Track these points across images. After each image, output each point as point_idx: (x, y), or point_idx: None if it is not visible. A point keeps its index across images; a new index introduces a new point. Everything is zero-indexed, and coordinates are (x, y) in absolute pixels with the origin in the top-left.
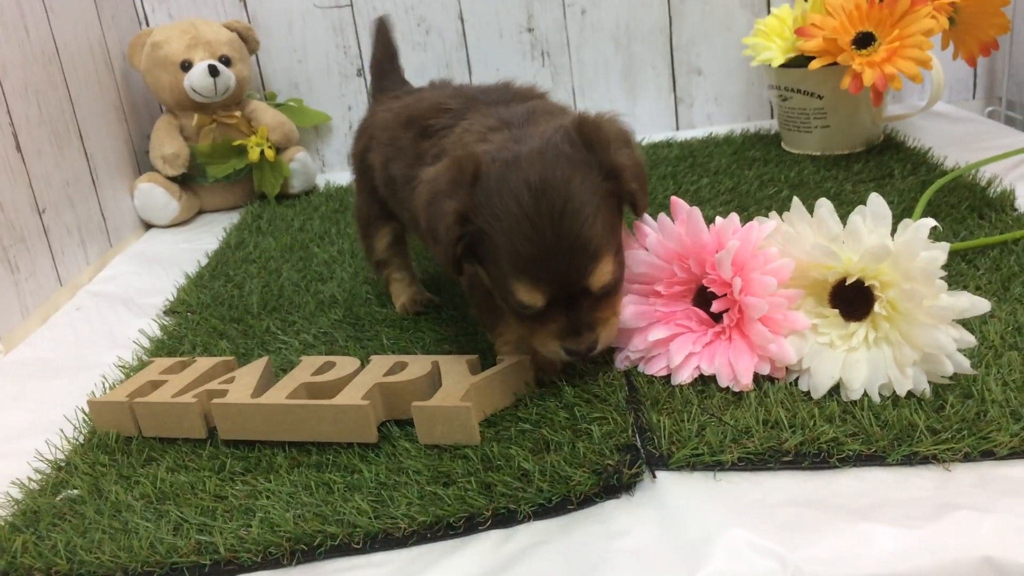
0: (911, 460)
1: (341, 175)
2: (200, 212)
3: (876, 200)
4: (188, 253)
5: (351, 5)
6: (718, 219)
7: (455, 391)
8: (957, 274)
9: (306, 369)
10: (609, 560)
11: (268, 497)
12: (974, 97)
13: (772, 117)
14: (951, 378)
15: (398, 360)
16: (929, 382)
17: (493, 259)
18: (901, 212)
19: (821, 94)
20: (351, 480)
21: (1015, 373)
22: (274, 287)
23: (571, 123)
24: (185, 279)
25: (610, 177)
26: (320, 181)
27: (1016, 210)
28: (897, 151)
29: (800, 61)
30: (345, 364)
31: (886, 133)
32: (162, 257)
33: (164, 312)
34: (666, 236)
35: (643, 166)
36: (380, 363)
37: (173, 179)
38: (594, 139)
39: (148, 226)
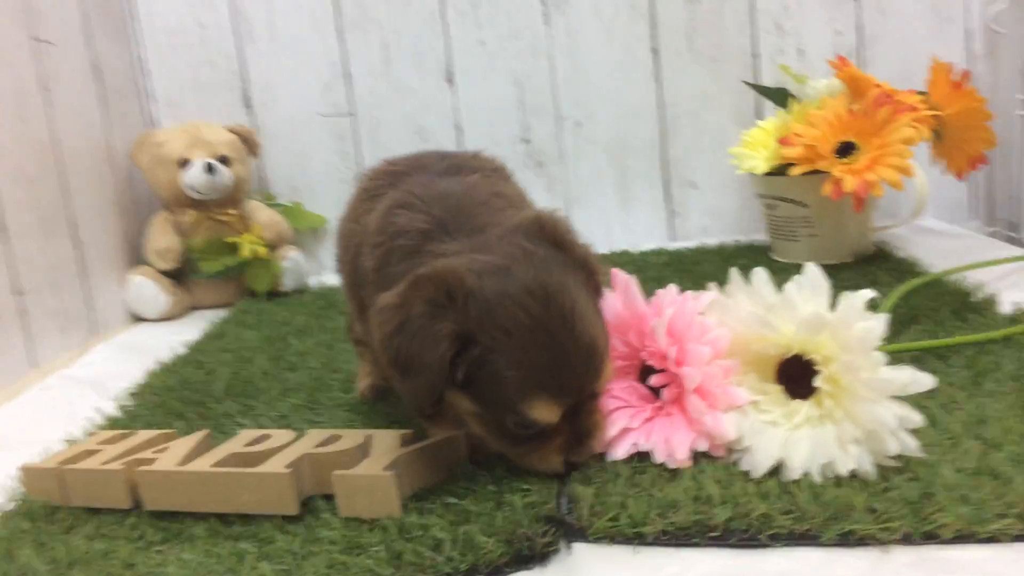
0: (847, 540)
1: (334, 277)
2: (193, 309)
3: (812, 270)
4: (170, 345)
5: (353, 114)
6: (658, 291)
7: (380, 461)
8: (930, 370)
9: (240, 440)
10: None
11: (177, 565)
12: (971, 219)
13: None
14: (899, 461)
15: (333, 433)
16: (876, 464)
17: (495, 384)
18: None
19: (806, 202)
20: (264, 550)
21: (972, 461)
22: (243, 375)
23: (528, 224)
24: (157, 365)
25: (584, 271)
26: (313, 282)
27: (996, 312)
28: (886, 260)
29: (785, 170)
30: (280, 436)
31: (878, 245)
32: (144, 347)
33: (129, 395)
34: (605, 309)
35: (600, 264)
36: (314, 436)
37: (167, 274)
38: (560, 238)
39: (138, 319)
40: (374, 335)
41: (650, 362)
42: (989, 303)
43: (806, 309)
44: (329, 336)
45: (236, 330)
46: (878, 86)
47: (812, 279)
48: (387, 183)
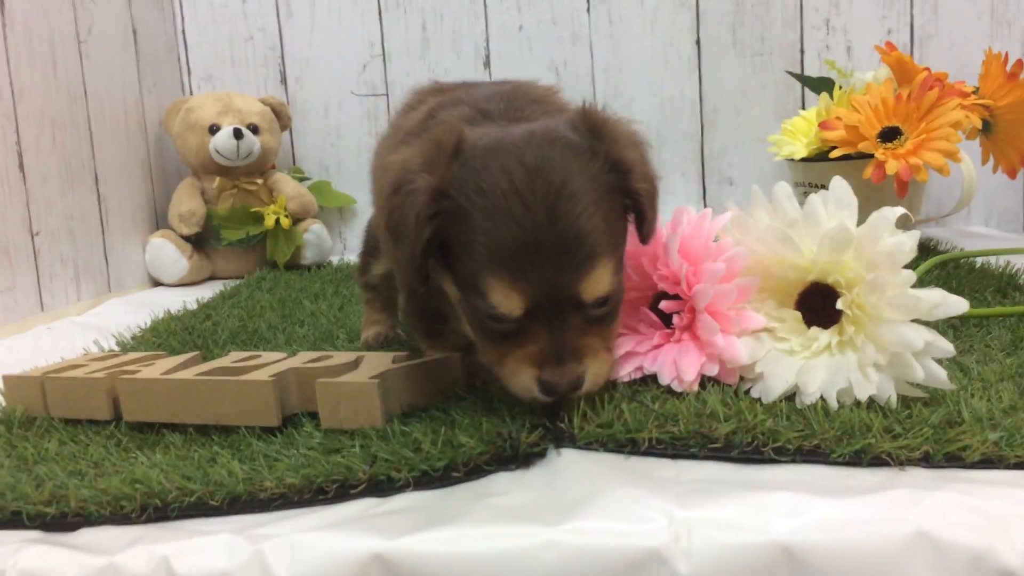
0: (859, 458)
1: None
2: (211, 277)
3: (839, 184)
4: (184, 304)
5: (387, 94)
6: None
7: (367, 374)
8: (967, 336)
9: (229, 358)
10: (471, 511)
11: (147, 466)
12: None
13: None
14: (925, 392)
15: (324, 353)
16: (899, 394)
17: (465, 249)
18: None
19: None
20: (238, 455)
21: (1006, 399)
22: (250, 327)
23: (575, 113)
24: (166, 315)
25: (615, 171)
26: (335, 260)
27: None
28: (927, 253)
29: (824, 158)
30: (270, 356)
31: (921, 241)
32: (157, 305)
33: (132, 337)
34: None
35: (655, 178)
36: (305, 355)
37: (188, 240)
38: (601, 128)
39: (156, 283)
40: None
41: (663, 286)
42: None
43: (831, 223)
44: (341, 301)
45: (250, 292)
46: (927, 70)
47: (838, 192)
48: (431, 94)
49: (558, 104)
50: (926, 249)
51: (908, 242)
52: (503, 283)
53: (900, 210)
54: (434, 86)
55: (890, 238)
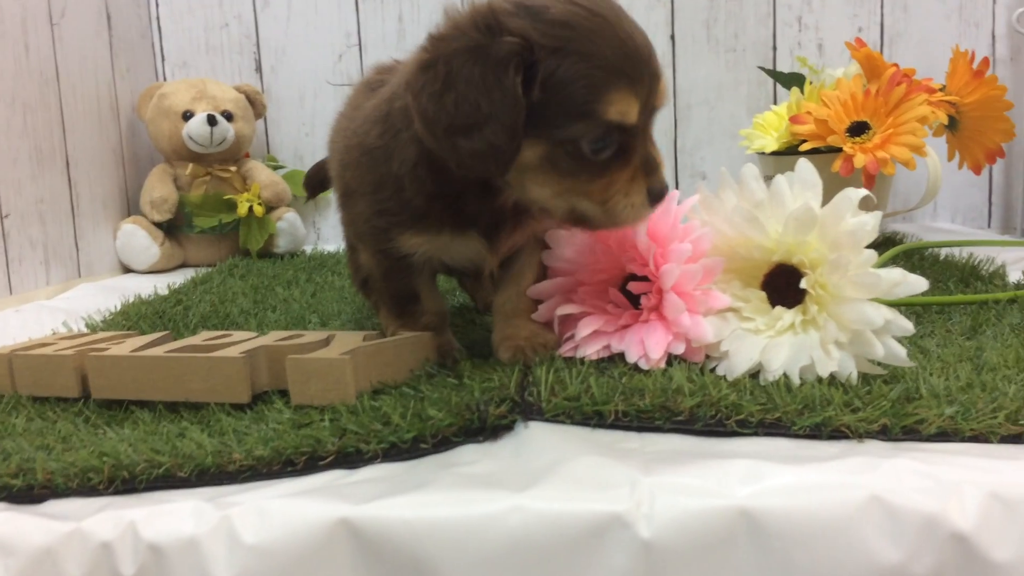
0: (820, 431)
1: (332, 245)
2: (183, 265)
3: (804, 165)
4: (156, 289)
5: None
6: None
7: (337, 350)
8: (929, 321)
9: (199, 337)
10: (437, 479)
11: (115, 440)
12: (989, 225)
13: None
14: (886, 370)
15: (296, 332)
16: (860, 372)
17: (565, 94)
18: None
19: None
20: (207, 429)
21: (963, 378)
22: (221, 312)
23: None
24: (136, 299)
25: None
26: (308, 248)
27: (1006, 283)
28: (893, 246)
29: (795, 151)
30: (241, 335)
31: (887, 235)
32: (128, 291)
33: (102, 320)
34: None
35: None
36: (276, 334)
37: (159, 226)
38: None
39: (127, 270)
40: (414, 121)
41: (631, 268)
42: (997, 275)
43: (796, 203)
44: (315, 287)
45: (223, 279)
46: (895, 66)
47: (803, 174)
48: (391, 72)
49: None
50: (892, 243)
51: (870, 221)
52: (624, 92)
53: (863, 192)
54: (395, 64)
55: (852, 218)
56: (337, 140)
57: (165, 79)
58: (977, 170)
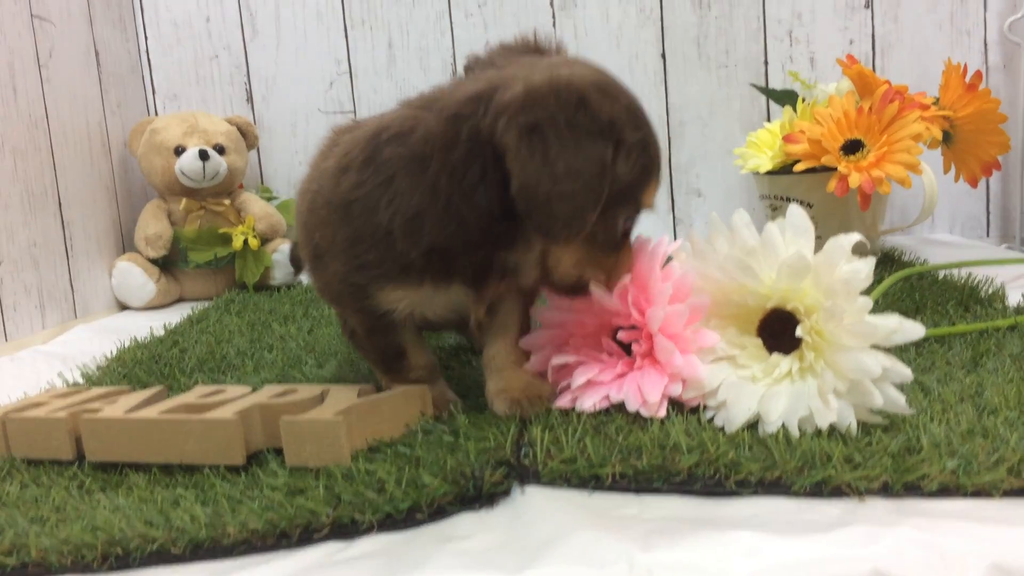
0: (820, 489)
1: None
2: (180, 300)
3: (795, 211)
4: (152, 330)
5: (354, 111)
6: None
7: (332, 409)
8: (929, 352)
9: (194, 393)
10: (434, 558)
11: (109, 510)
12: (988, 235)
13: None
14: (885, 418)
15: (289, 387)
16: (859, 420)
17: (623, 178)
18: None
19: (811, 202)
20: (202, 496)
21: (964, 423)
22: (218, 353)
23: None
24: (132, 343)
25: None
26: (304, 278)
27: (1005, 306)
28: (891, 263)
29: (789, 170)
30: (236, 390)
31: (886, 252)
32: (125, 331)
33: (97, 368)
34: None
35: None
36: (270, 389)
37: (155, 263)
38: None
39: (123, 307)
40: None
41: (617, 322)
42: (996, 297)
43: (788, 251)
44: (311, 322)
45: (219, 316)
46: (887, 83)
47: (795, 220)
48: (346, 131)
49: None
50: (891, 259)
51: (863, 269)
52: (655, 185)
53: (856, 236)
54: (354, 124)
55: (846, 265)
56: (302, 203)
57: (156, 112)
58: (974, 183)
